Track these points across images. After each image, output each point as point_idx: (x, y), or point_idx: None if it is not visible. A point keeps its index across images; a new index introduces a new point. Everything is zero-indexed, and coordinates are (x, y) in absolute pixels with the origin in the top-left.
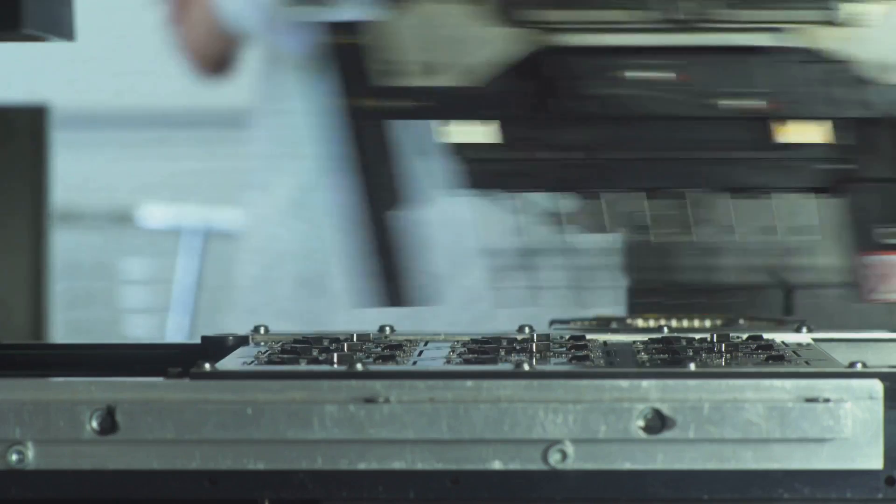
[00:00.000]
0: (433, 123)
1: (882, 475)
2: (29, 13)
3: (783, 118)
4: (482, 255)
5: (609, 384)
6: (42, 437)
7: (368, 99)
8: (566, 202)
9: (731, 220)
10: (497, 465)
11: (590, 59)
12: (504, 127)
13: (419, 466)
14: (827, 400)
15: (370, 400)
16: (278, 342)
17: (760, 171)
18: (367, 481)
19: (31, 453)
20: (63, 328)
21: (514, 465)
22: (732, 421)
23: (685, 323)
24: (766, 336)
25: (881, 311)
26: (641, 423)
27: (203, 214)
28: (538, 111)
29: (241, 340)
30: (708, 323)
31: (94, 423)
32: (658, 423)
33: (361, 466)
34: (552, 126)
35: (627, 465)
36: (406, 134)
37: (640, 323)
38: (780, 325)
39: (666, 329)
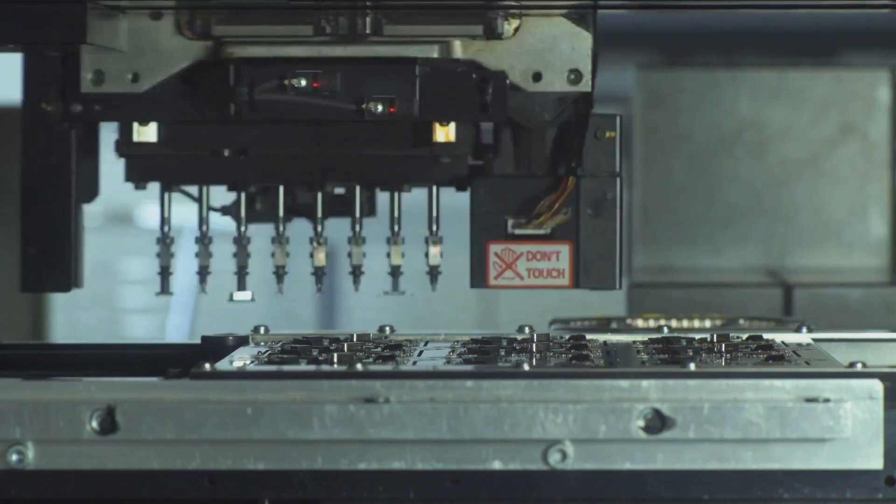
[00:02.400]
0: (109, 125)
1: (882, 475)
2: (90, 28)
3: (424, 121)
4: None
5: (609, 384)
6: (42, 437)
7: (51, 103)
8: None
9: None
10: (497, 465)
11: (254, 69)
12: (166, 127)
13: (419, 466)
14: (827, 400)
15: (370, 400)
16: (278, 342)
17: (407, 167)
18: (367, 481)
19: (31, 453)
20: (63, 328)
21: (514, 465)
22: (732, 421)
23: (685, 323)
24: (766, 336)
25: (881, 311)
26: (641, 423)
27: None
28: (199, 115)
29: (241, 340)
30: (708, 323)
31: (94, 423)
32: (658, 423)
33: (361, 466)
34: (211, 127)
35: (627, 466)
36: (87, 135)
37: (640, 323)
38: (780, 326)
39: (666, 329)
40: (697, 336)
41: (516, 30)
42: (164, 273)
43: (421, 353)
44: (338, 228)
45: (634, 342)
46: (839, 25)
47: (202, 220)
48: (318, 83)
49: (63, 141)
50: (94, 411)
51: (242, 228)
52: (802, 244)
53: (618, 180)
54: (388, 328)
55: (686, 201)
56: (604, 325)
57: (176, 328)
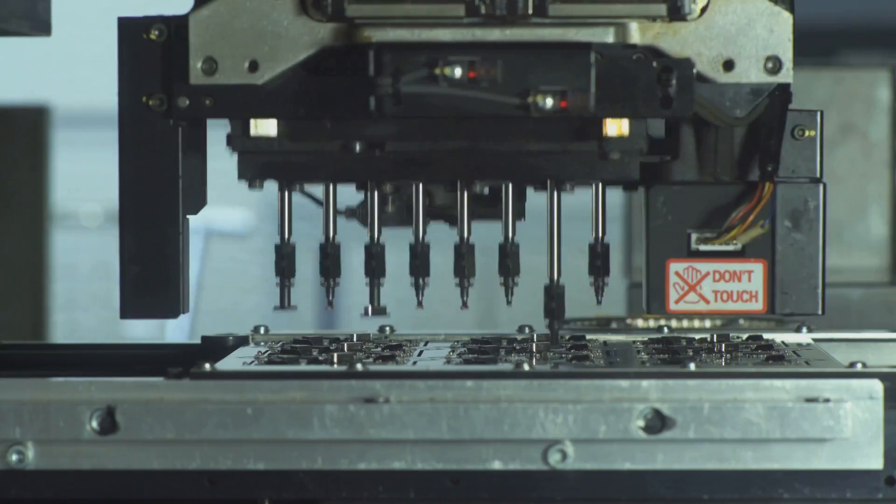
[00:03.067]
0: (228, 121)
1: (882, 475)
2: (5, 9)
3: (591, 116)
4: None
5: (609, 384)
6: (42, 437)
7: (154, 97)
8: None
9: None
10: (497, 465)
11: (398, 56)
12: (288, 121)
13: (419, 466)
14: (827, 400)
15: (370, 400)
16: (278, 342)
17: (573, 164)
18: (367, 481)
19: (31, 453)
20: (63, 328)
21: (514, 465)
22: (732, 421)
23: (685, 323)
24: (766, 336)
25: (881, 311)
26: (641, 423)
27: (203, 214)
28: (329, 109)
29: (241, 340)
30: (708, 323)
31: (94, 423)
32: (658, 423)
33: (361, 466)
34: (344, 120)
35: (627, 466)
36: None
37: (640, 323)
38: (780, 325)
39: (666, 329)
40: (697, 336)
41: (703, 9)
42: (284, 285)
43: (421, 353)
44: (339, 228)
45: (634, 342)
46: (839, 25)
47: (329, 226)
48: (475, 73)
49: (168, 141)
50: (94, 411)
51: (375, 234)
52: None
53: (821, 187)
54: (388, 328)
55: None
56: (604, 325)
57: (176, 328)
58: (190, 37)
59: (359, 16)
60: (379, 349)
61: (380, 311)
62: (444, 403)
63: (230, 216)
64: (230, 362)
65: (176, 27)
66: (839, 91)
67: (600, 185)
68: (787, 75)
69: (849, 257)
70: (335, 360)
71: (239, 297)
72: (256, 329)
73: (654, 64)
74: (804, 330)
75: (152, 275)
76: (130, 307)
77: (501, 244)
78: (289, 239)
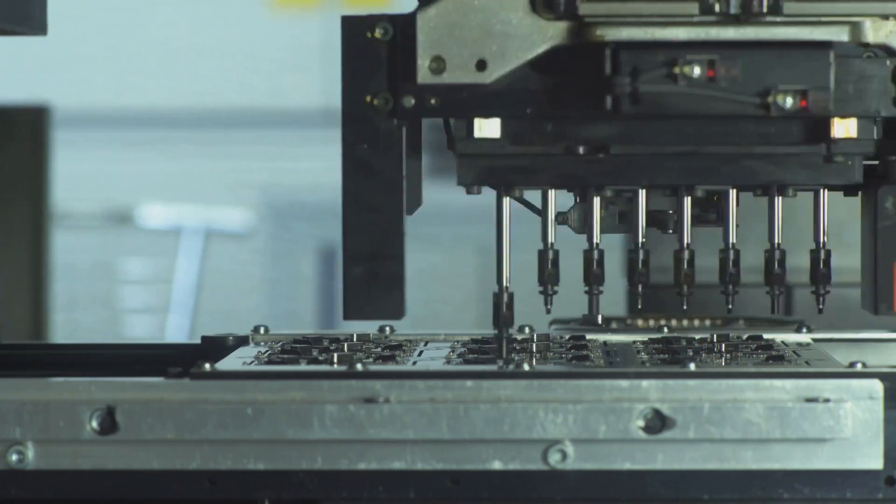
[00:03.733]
0: (452, 120)
1: (882, 475)
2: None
3: (830, 115)
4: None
5: (609, 384)
6: (42, 437)
7: (394, 96)
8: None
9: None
10: (497, 465)
11: (636, 54)
12: (513, 123)
13: (419, 466)
14: (827, 400)
15: (370, 400)
16: (278, 342)
17: (800, 167)
18: (367, 481)
19: (31, 453)
20: (63, 328)
21: (514, 466)
22: (732, 421)
23: (685, 323)
24: (766, 336)
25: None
26: (641, 423)
27: (203, 214)
28: (560, 108)
29: (241, 340)
30: (708, 323)
31: (94, 423)
32: (658, 423)
33: (361, 466)
34: (572, 122)
35: (627, 466)
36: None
37: (640, 323)
38: (780, 325)
39: (666, 329)
40: (697, 336)
41: None
42: (548, 292)
43: (421, 353)
44: (336, 228)
45: (634, 342)
46: None
47: (547, 232)
48: (714, 72)
49: (392, 140)
50: (94, 411)
51: (595, 239)
52: (802, 244)
53: None
54: (388, 328)
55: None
56: (604, 324)
57: (176, 328)
58: (417, 35)
59: (591, 14)
60: (379, 349)
61: (592, 320)
62: (444, 403)
63: (230, 216)
64: (230, 362)
65: (402, 26)
66: None
67: (824, 190)
68: None
69: (849, 257)
70: (335, 360)
71: (239, 297)
72: (256, 329)
73: (888, 62)
74: (804, 330)
75: (376, 276)
76: (353, 308)
77: (722, 250)
78: (506, 243)
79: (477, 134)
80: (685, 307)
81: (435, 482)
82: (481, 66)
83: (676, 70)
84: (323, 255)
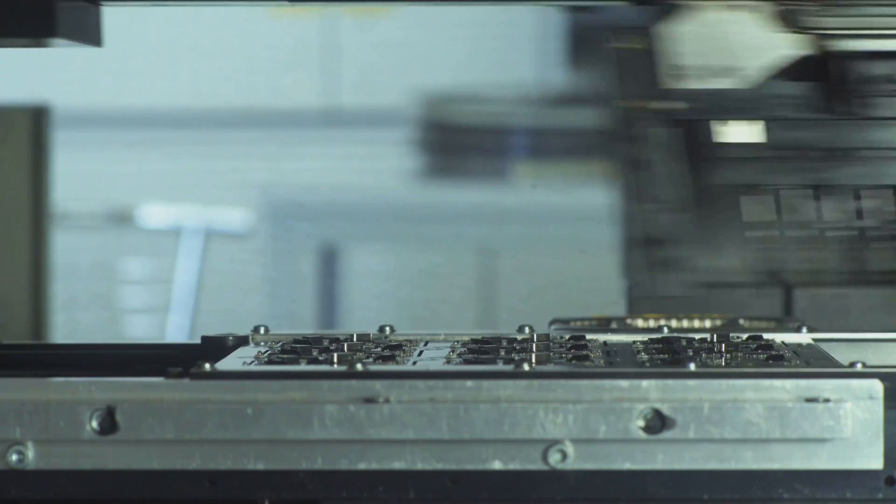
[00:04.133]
0: (708, 124)
1: (882, 475)
2: (61, 22)
3: None
4: None
5: (609, 384)
6: (42, 437)
7: (648, 101)
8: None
9: None
10: (497, 465)
11: (870, 64)
12: (770, 127)
13: (419, 466)
14: (827, 400)
15: (370, 400)
16: (278, 342)
17: None
18: (367, 481)
19: (31, 453)
20: (63, 328)
21: (514, 465)
22: (732, 421)
23: (685, 323)
24: (766, 336)
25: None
26: (641, 423)
27: (203, 214)
28: (810, 112)
29: (241, 340)
30: (708, 323)
31: (94, 423)
32: (658, 423)
33: (361, 466)
34: (818, 127)
35: (627, 466)
36: (678, 136)
37: (640, 323)
38: (780, 326)
39: (666, 329)
40: (697, 336)
41: None
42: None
43: (421, 353)
44: (336, 228)
45: (634, 342)
46: None
47: None
48: None
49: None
50: (94, 411)
51: None
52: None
53: None
54: (388, 328)
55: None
56: (604, 324)
57: (176, 328)
58: (684, 45)
59: (829, 26)
60: (379, 349)
61: None
62: (444, 403)
63: (230, 216)
64: (230, 362)
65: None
66: None
67: None
68: None
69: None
70: (335, 360)
71: (239, 297)
72: (256, 329)
73: None
74: (804, 330)
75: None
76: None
77: None
78: None
79: (735, 139)
80: None
81: (435, 482)
82: (729, 73)
83: None
84: (323, 255)
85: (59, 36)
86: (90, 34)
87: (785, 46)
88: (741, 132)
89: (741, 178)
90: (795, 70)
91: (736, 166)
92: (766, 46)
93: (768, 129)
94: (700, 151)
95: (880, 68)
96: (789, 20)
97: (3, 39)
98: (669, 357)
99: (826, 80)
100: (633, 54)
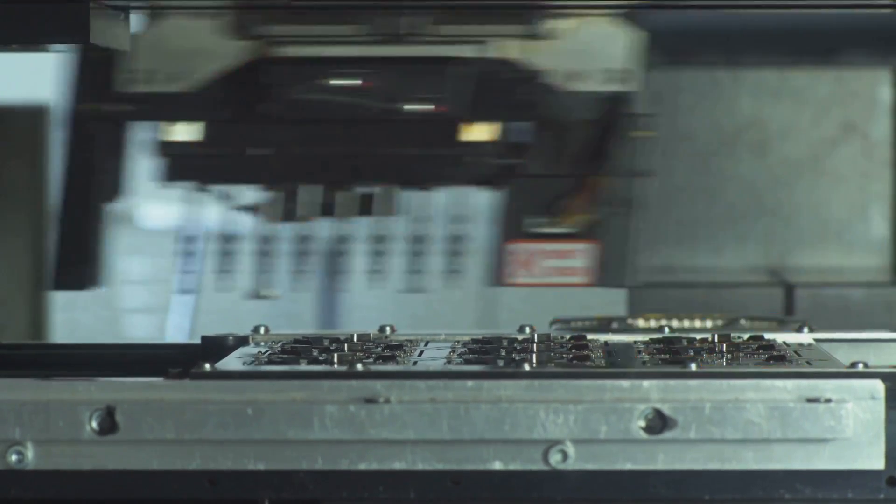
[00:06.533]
0: (152, 125)
1: (883, 475)
2: (96, 28)
3: (458, 120)
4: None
5: (610, 384)
6: (42, 437)
7: (99, 103)
8: (258, 194)
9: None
10: (498, 465)
11: (294, 69)
12: (210, 126)
13: (419, 466)
14: (828, 400)
15: (370, 400)
16: (278, 342)
17: (438, 166)
18: (367, 481)
19: (30, 453)
20: (63, 328)
21: (515, 466)
22: (734, 421)
23: (686, 323)
24: (767, 336)
25: (883, 311)
26: (642, 423)
27: (203, 214)
28: (247, 114)
29: (241, 340)
30: (709, 323)
31: (94, 424)
32: (659, 423)
33: (361, 466)
34: (253, 126)
35: (628, 466)
36: (127, 135)
37: (640, 323)
38: (782, 326)
39: (667, 329)
40: (698, 336)
41: (559, 29)
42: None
43: (421, 353)
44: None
45: (635, 342)
46: (840, 25)
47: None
48: (359, 83)
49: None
50: (94, 411)
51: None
52: (803, 244)
53: (642, 180)
54: (388, 328)
55: (687, 201)
56: (605, 325)
57: (176, 328)
58: (141, 51)
59: (265, 35)
60: (379, 349)
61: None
62: (445, 403)
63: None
64: (230, 362)
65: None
66: (840, 90)
67: (460, 186)
68: (626, 85)
69: (850, 257)
70: (335, 360)
71: (239, 298)
72: (256, 329)
73: (509, 75)
74: (805, 330)
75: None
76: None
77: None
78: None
79: (176, 138)
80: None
81: (435, 482)
82: (174, 77)
83: (329, 82)
84: (322, 254)
85: (94, 41)
86: (119, 40)
87: (233, 52)
88: (182, 131)
89: (186, 175)
90: (239, 74)
91: (174, 162)
92: (215, 53)
93: (209, 130)
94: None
95: (300, 72)
96: (240, 28)
97: (37, 46)
98: (670, 357)
99: (258, 83)
100: (91, 58)
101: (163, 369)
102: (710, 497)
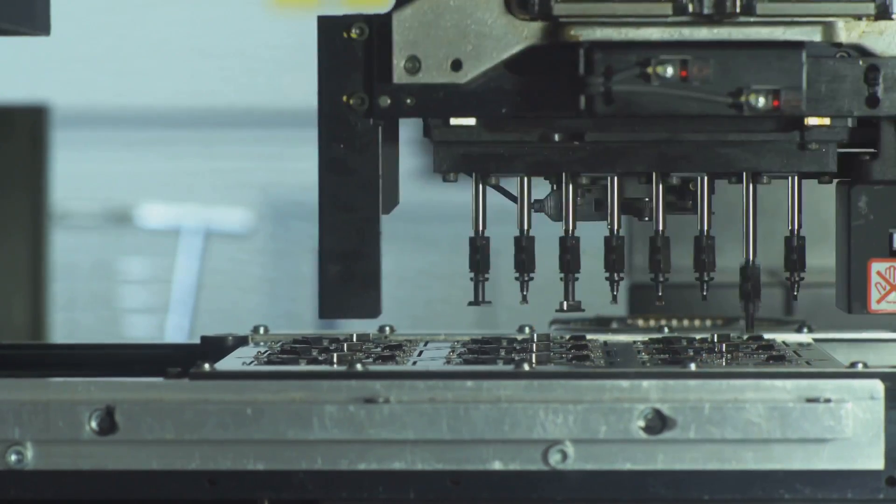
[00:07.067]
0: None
1: (883, 475)
2: (3, 8)
3: (803, 115)
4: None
5: (609, 384)
6: (42, 437)
7: (367, 95)
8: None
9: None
10: (497, 465)
11: (608, 54)
12: (497, 122)
13: (419, 466)
14: (828, 400)
15: (370, 400)
16: (278, 342)
17: (774, 154)
18: (367, 481)
19: (30, 453)
20: (63, 328)
21: (515, 466)
22: (733, 421)
23: (686, 323)
24: (766, 336)
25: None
26: (642, 423)
27: (202, 214)
28: (534, 108)
29: (241, 340)
30: (709, 323)
31: (94, 424)
32: (659, 423)
33: (361, 467)
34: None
35: (628, 466)
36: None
37: (640, 323)
38: (781, 325)
39: (666, 329)
40: (698, 336)
41: None
42: (478, 280)
43: (421, 353)
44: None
45: (635, 342)
46: None
47: (523, 220)
48: (686, 72)
49: (367, 140)
50: (94, 411)
51: (570, 227)
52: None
53: None
54: (388, 328)
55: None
56: (604, 325)
57: (176, 328)
58: (393, 35)
59: (566, 14)
60: (379, 349)
61: (574, 306)
62: (444, 403)
63: (230, 216)
64: (230, 362)
65: (378, 26)
66: None
67: (797, 177)
68: None
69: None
70: (335, 360)
71: (239, 297)
72: (256, 329)
73: (861, 62)
74: (805, 330)
75: (352, 275)
76: (329, 307)
77: (697, 237)
78: (483, 233)
79: (453, 121)
80: (660, 293)
81: (435, 482)
82: (456, 65)
83: (649, 70)
84: None
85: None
86: (36, 22)
87: (521, 35)
88: (468, 118)
89: (469, 163)
90: (532, 60)
91: (466, 150)
92: (500, 36)
93: (496, 124)
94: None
95: (624, 58)
96: (526, 7)
97: None
98: (670, 357)
99: (564, 71)
100: (354, 45)
101: (162, 369)
102: (709, 497)
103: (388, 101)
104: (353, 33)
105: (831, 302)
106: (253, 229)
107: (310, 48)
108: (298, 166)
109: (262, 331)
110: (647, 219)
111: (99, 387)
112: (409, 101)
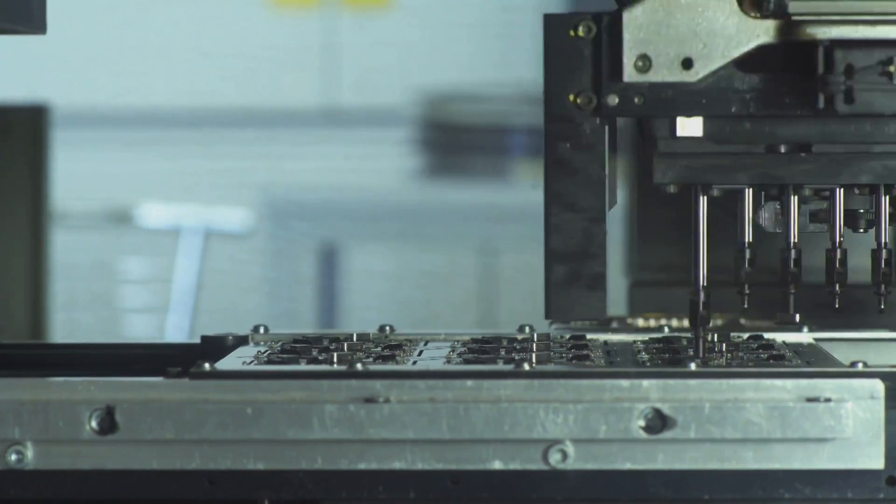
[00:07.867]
0: (660, 121)
1: (883, 475)
2: None
3: None
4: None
5: (609, 384)
6: (42, 437)
7: (594, 94)
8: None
9: None
10: (497, 465)
11: (849, 52)
12: (715, 122)
13: (419, 466)
14: (828, 400)
15: (370, 400)
16: (278, 342)
17: None
18: (367, 481)
19: (30, 453)
20: (63, 328)
21: (515, 465)
22: (733, 421)
23: (686, 322)
24: (766, 336)
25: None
26: (642, 422)
27: (202, 214)
28: (767, 108)
29: (241, 340)
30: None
31: (94, 423)
32: (659, 422)
33: (361, 466)
34: (771, 120)
35: (628, 465)
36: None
37: (640, 322)
38: (781, 325)
39: (667, 329)
40: None
41: None
42: (744, 291)
43: (421, 352)
44: (336, 228)
45: (635, 342)
46: None
47: (744, 232)
48: None
49: (595, 139)
50: (94, 411)
51: (793, 238)
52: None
53: None
54: (388, 328)
55: (687, 200)
56: (604, 324)
57: (176, 328)
58: (623, 34)
59: (801, 13)
60: (379, 349)
61: (789, 319)
62: (444, 403)
63: (230, 216)
64: (230, 362)
65: (605, 24)
66: None
67: None
68: None
69: (849, 257)
70: (335, 359)
71: (239, 297)
72: (256, 329)
73: None
74: (805, 329)
75: (579, 276)
76: (557, 308)
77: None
78: (705, 244)
79: (680, 132)
80: (837, 306)
81: (435, 482)
82: (687, 64)
83: (891, 69)
84: (323, 254)
85: None
86: (32, 21)
87: (753, 33)
88: (694, 126)
89: (692, 174)
90: (765, 59)
91: (690, 161)
92: (732, 34)
93: (725, 124)
94: (650, 150)
95: (865, 57)
96: (760, 6)
97: None
98: (670, 357)
99: (798, 70)
100: (581, 44)
101: (162, 369)
102: (709, 497)
103: (617, 100)
104: (581, 32)
105: (831, 302)
106: (253, 229)
107: (310, 48)
108: (298, 166)
109: (262, 330)
110: (862, 231)
111: (99, 387)
112: (636, 99)
